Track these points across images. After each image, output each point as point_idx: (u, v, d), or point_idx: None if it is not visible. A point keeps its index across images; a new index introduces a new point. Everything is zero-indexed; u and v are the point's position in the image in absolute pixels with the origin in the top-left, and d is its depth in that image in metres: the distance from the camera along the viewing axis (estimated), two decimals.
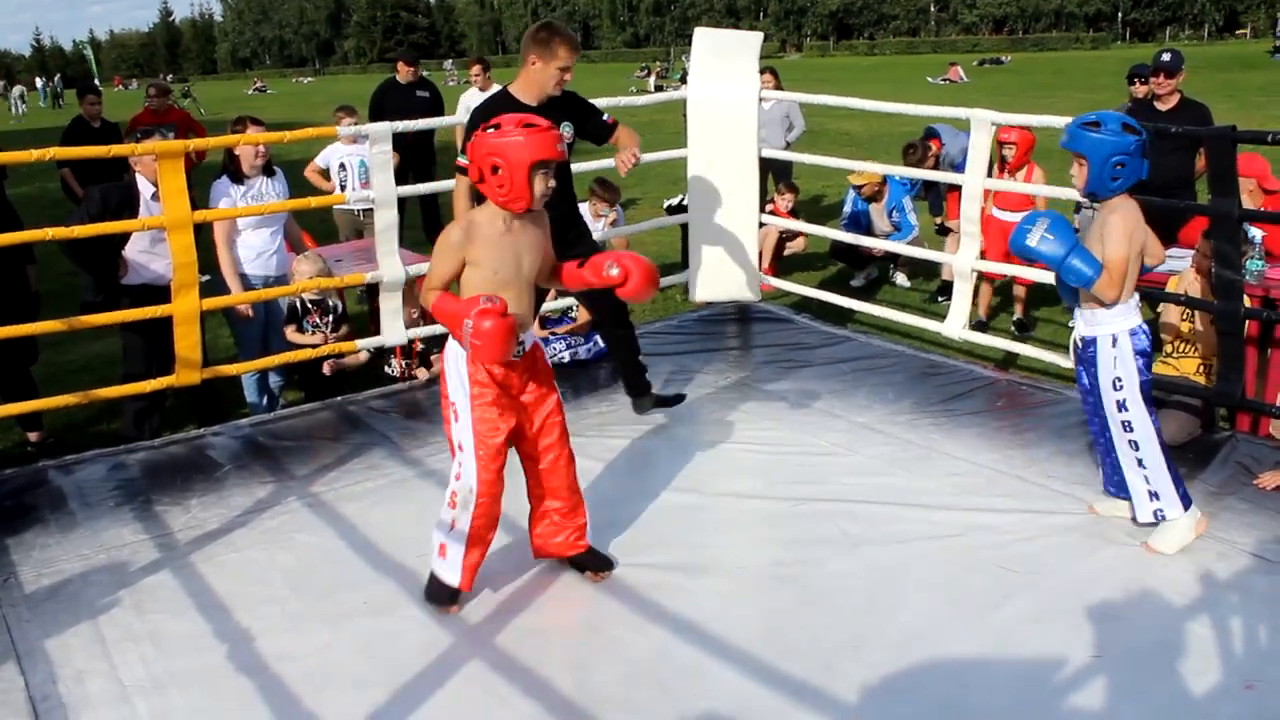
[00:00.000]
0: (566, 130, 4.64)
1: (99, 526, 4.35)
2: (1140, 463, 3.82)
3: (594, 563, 3.84)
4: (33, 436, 5.56)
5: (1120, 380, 3.78)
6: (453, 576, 3.58)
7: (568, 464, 3.73)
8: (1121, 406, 3.80)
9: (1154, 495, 3.83)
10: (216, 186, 5.62)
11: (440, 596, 3.63)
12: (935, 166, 8.04)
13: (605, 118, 4.88)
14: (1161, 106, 6.40)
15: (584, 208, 8.09)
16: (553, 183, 3.41)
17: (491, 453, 3.48)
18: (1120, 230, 3.64)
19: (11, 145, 5.84)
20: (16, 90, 33.26)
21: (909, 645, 3.35)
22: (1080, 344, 3.89)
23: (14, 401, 5.03)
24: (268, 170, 5.73)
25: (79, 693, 3.26)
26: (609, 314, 5.07)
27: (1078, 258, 3.62)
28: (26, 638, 3.56)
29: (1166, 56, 6.41)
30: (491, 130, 3.34)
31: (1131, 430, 3.81)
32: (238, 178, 5.62)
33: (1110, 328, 3.77)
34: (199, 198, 5.24)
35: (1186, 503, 3.83)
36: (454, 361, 3.49)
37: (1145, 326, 3.81)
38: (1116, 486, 4.02)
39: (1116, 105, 7.84)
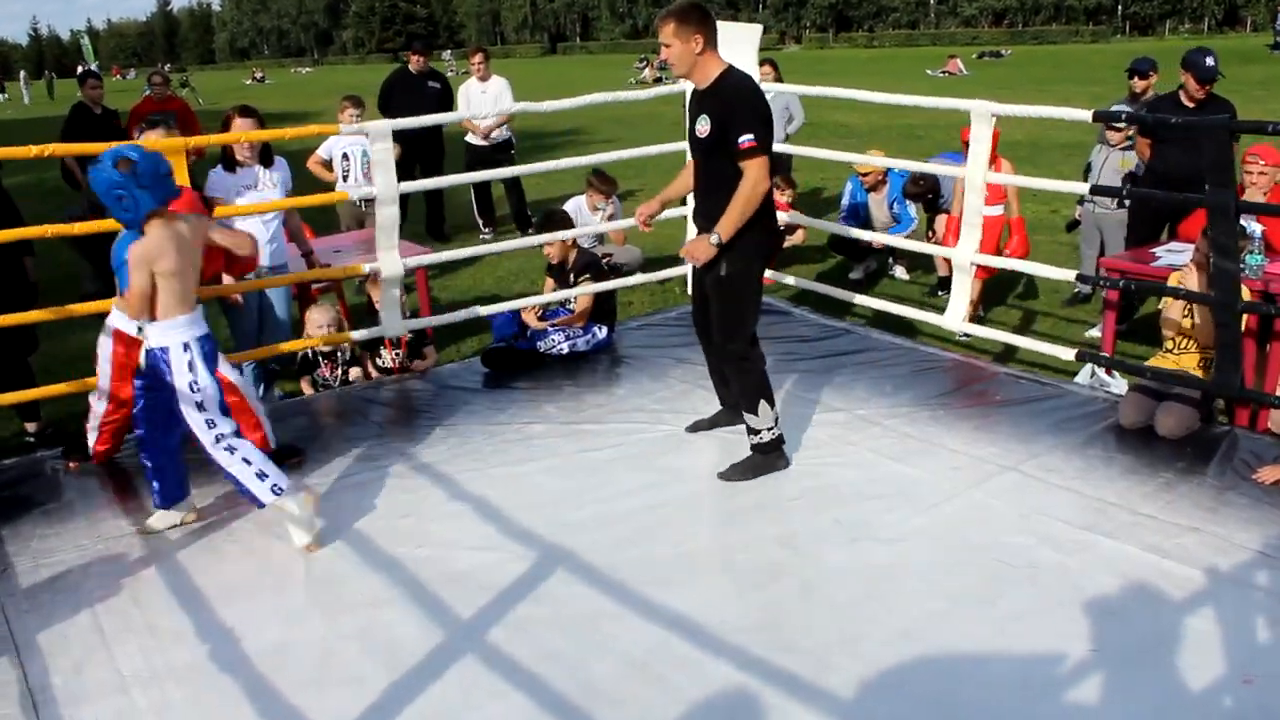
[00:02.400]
0: (701, 125, 4.26)
1: (97, 518, 4.35)
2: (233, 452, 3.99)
3: None
4: (31, 426, 5.55)
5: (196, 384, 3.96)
6: None
7: None
8: (201, 407, 3.97)
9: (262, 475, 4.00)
10: (211, 180, 5.58)
11: None
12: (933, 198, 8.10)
13: (740, 140, 4.14)
14: (1189, 102, 6.36)
15: (581, 200, 8.10)
16: None
17: None
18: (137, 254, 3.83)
19: (8, 135, 5.81)
20: (23, 77, 33.85)
21: (905, 639, 3.35)
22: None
23: (12, 391, 5.02)
24: (265, 159, 5.70)
25: (77, 684, 3.26)
26: None
27: None
28: (24, 629, 3.55)
29: (1210, 61, 6.32)
30: None
31: (215, 426, 3.98)
32: (230, 165, 5.58)
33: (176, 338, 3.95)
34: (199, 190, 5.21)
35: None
36: None
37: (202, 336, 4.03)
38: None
39: (1115, 99, 7.85)
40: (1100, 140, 7.18)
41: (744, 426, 4.56)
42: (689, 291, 4.86)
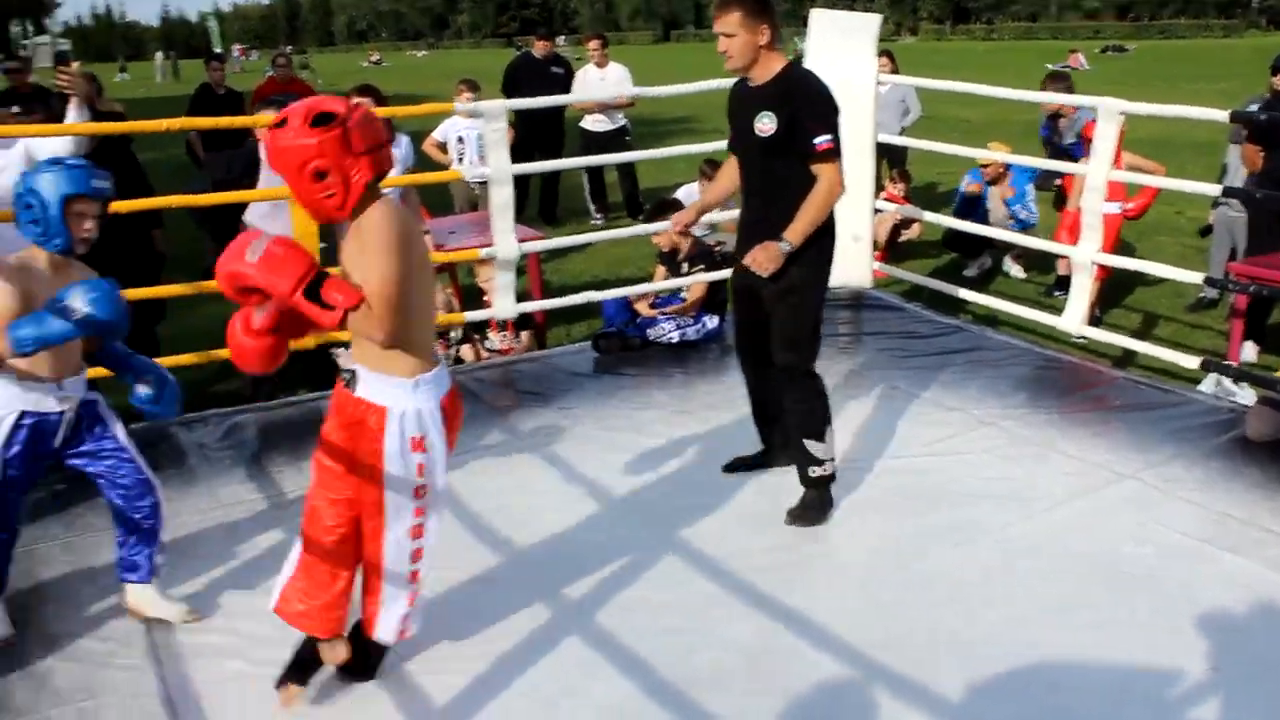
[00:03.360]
0: (764, 122, 3.88)
1: (217, 484, 4.50)
2: None
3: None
4: None
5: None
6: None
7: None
8: None
9: None
10: None
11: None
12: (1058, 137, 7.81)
13: (817, 140, 3.82)
14: None
15: (693, 187, 8.08)
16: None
17: None
18: None
19: (140, 113, 6.03)
20: (158, 58, 34.92)
21: (1014, 643, 3.29)
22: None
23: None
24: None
25: (197, 640, 3.39)
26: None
27: None
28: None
29: None
30: None
31: None
32: None
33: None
34: None
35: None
36: None
37: None
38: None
39: (1247, 96, 7.55)
40: (1233, 139, 6.93)
41: (852, 415, 4.43)
42: (731, 311, 4.39)
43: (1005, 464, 4.53)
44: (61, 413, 3.31)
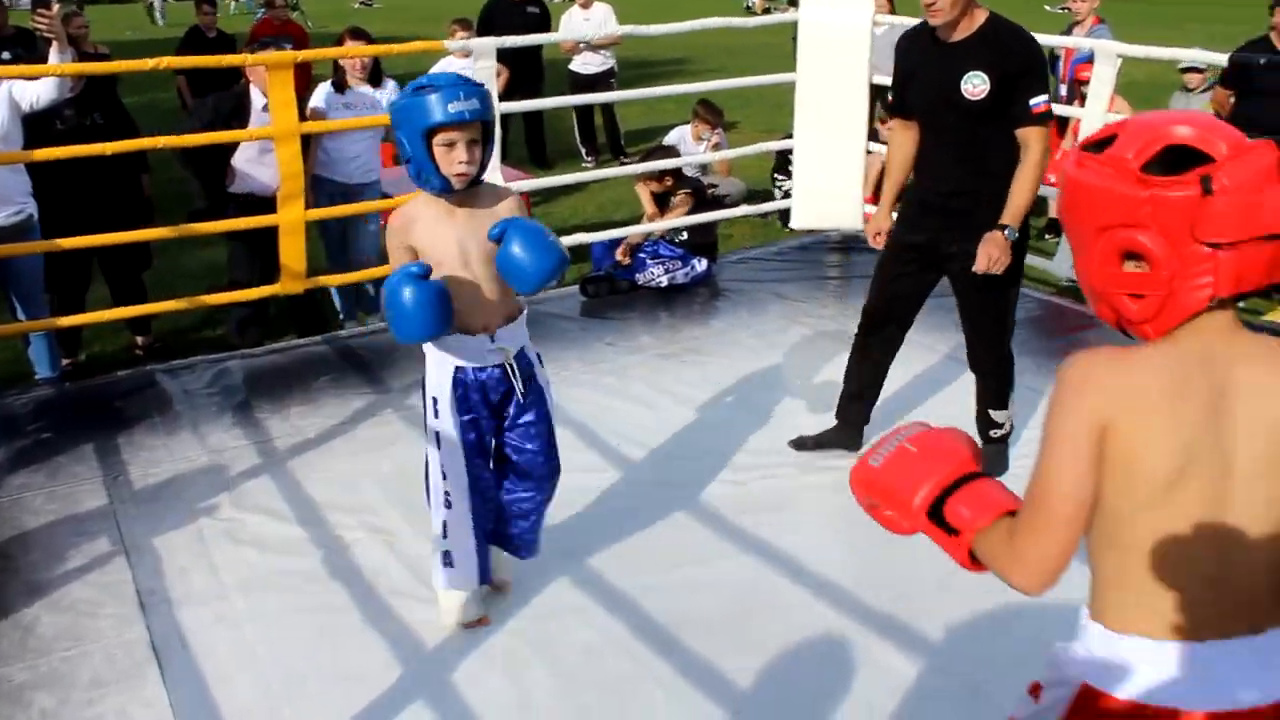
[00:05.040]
0: (974, 83, 3.50)
1: (203, 430, 4.47)
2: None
3: None
4: (141, 340, 5.70)
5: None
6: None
7: None
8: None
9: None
10: (316, 95, 5.65)
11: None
12: None
13: (1034, 103, 3.48)
14: None
15: (685, 130, 8.00)
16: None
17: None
18: None
19: (128, 55, 5.93)
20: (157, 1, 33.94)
21: (996, 585, 3.28)
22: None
23: (126, 305, 5.17)
24: (375, 79, 5.74)
25: (183, 587, 3.39)
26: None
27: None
28: (133, 533, 3.69)
29: None
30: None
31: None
32: (340, 87, 5.64)
33: None
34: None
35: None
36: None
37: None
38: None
39: (1249, 37, 7.45)
40: (1182, 88, 6.88)
41: (840, 358, 4.36)
42: (886, 254, 3.97)
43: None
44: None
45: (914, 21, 7.17)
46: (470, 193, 2.81)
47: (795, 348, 5.17)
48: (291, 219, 5.04)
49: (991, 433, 4.05)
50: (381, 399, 4.73)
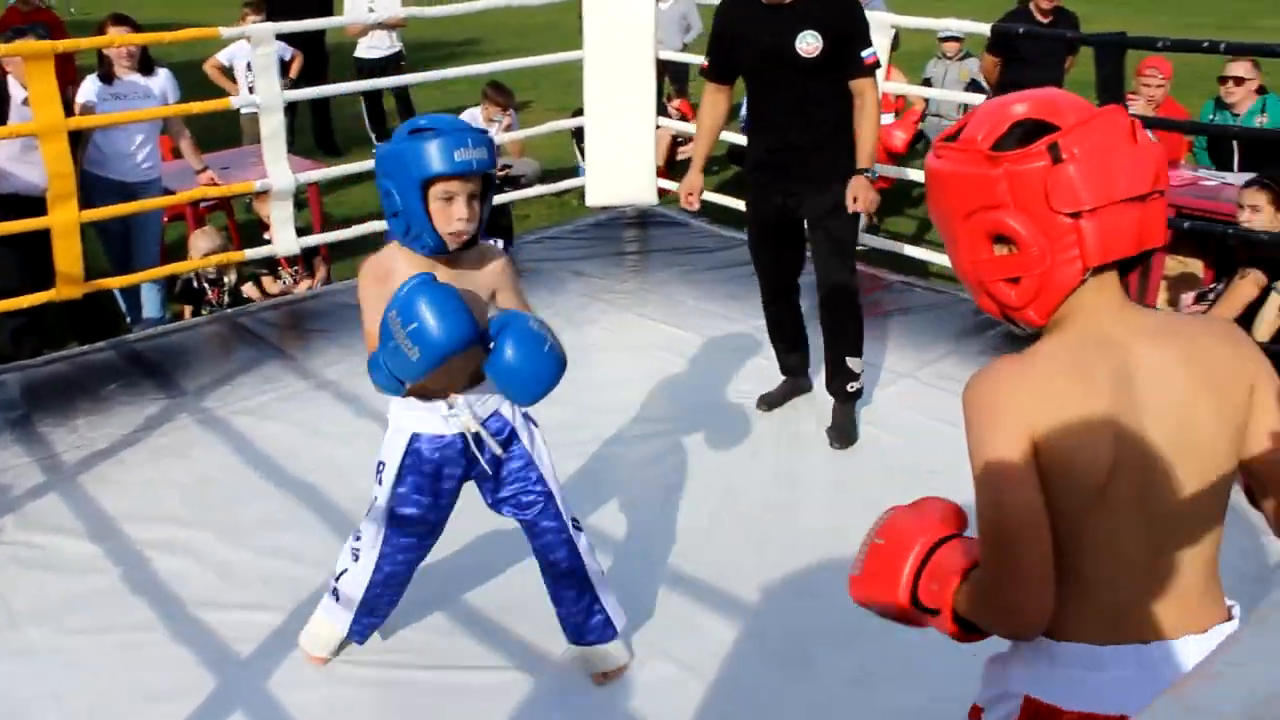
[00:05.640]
0: (809, 41, 3.69)
1: None
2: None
3: None
4: None
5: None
6: None
7: None
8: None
9: None
10: (84, 88, 5.36)
11: None
12: None
13: (865, 55, 3.78)
14: (1041, 17, 6.41)
15: (476, 112, 7.92)
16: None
17: None
18: None
19: None
20: None
21: (809, 546, 3.43)
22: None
23: None
24: (145, 68, 5.47)
25: None
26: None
27: None
28: None
29: None
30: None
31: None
32: (108, 78, 5.36)
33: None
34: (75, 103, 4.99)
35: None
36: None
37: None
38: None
39: (1010, 8, 7.88)
40: (940, 55, 7.27)
41: (642, 330, 4.46)
42: (754, 236, 4.21)
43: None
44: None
45: None
46: (457, 250, 2.45)
47: (599, 323, 5.21)
48: (65, 220, 4.77)
49: (849, 386, 4.12)
50: (176, 403, 4.53)
